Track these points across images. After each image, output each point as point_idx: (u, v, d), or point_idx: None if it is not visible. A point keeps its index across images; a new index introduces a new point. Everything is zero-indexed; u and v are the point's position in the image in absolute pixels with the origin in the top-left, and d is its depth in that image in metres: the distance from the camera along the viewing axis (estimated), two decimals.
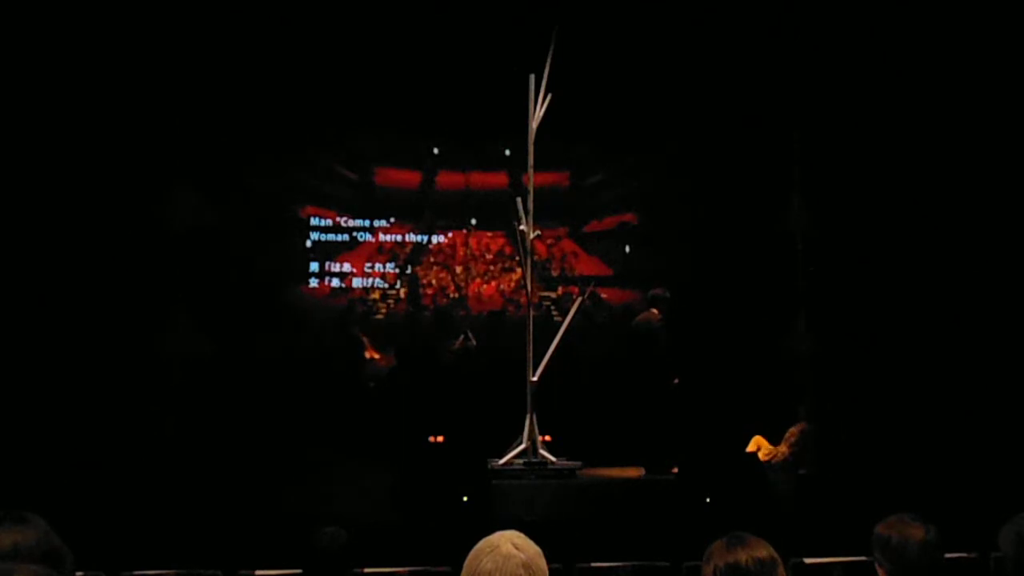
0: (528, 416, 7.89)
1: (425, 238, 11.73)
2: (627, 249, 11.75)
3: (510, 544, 1.81)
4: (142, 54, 9.28)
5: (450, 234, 11.74)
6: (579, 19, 8.60)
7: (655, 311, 8.70)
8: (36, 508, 1.99)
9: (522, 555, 1.79)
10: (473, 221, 11.66)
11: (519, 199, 8.12)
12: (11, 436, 7.67)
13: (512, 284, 11.67)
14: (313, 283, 11.53)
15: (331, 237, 11.56)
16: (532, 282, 8.32)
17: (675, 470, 7.76)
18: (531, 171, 8.24)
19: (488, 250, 11.82)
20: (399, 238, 11.70)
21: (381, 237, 11.66)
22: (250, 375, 10.06)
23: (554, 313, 11.41)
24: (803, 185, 10.25)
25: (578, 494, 7.36)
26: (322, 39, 10.00)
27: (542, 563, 1.80)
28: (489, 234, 11.77)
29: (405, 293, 11.64)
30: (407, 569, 4.30)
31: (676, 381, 8.50)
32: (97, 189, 9.08)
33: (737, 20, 9.30)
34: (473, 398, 9.41)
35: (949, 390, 9.06)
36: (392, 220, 11.66)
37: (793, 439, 8.46)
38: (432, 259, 11.76)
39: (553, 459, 7.87)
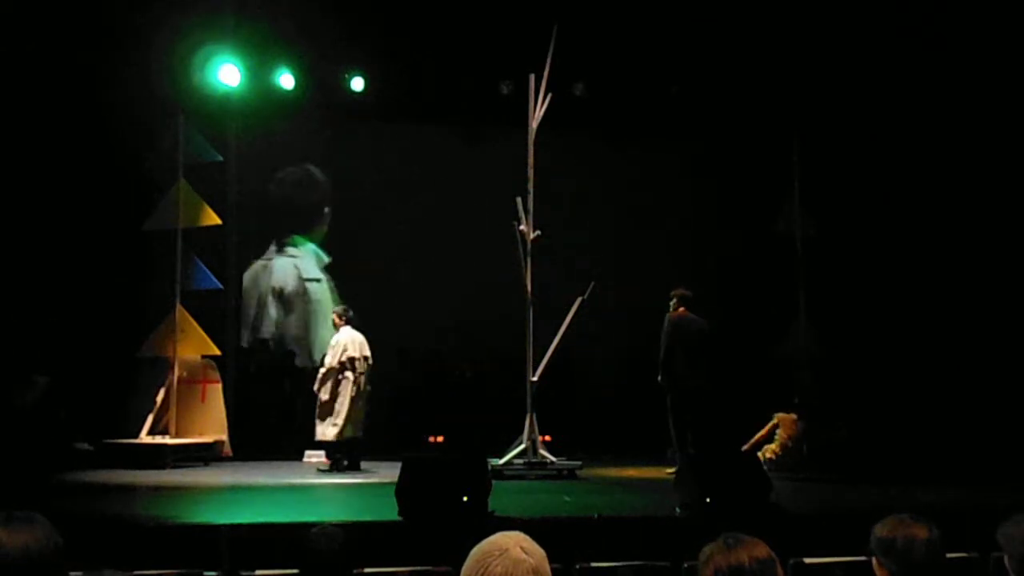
0: (528, 416, 7.88)
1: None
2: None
3: (518, 548, 1.74)
4: None
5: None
6: (577, 28, 8.57)
7: (683, 310, 8.35)
8: None
9: (531, 560, 1.73)
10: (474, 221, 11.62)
11: (519, 199, 8.10)
12: None
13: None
14: None
15: None
16: (532, 282, 8.29)
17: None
18: (531, 171, 8.21)
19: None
20: None
21: None
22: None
23: None
24: (803, 189, 10.26)
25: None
26: (321, 38, 9.99)
27: (547, 566, 1.76)
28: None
29: None
30: (407, 569, 4.28)
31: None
32: None
33: (741, 28, 9.33)
34: (473, 398, 9.40)
35: (948, 390, 9.07)
36: None
37: (785, 437, 8.42)
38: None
39: (553, 459, 7.87)
